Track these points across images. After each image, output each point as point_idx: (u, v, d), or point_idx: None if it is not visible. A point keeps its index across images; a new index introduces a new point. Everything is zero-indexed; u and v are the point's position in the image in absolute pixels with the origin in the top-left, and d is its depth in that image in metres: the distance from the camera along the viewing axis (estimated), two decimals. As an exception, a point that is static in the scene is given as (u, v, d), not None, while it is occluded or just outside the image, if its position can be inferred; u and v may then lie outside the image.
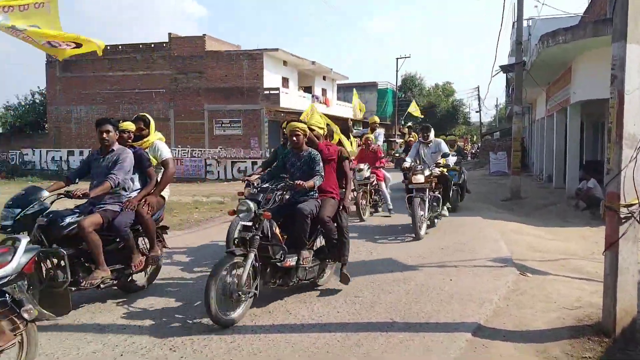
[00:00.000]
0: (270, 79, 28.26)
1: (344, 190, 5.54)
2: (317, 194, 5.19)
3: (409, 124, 22.81)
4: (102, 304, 4.99)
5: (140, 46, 29.61)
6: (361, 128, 38.96)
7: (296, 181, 4.88)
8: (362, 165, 10.26)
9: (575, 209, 11.49)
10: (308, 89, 34.03)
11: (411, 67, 61.11)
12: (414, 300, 4.98)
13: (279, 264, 4.65)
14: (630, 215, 3.95)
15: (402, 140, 23.92)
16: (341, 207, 5.34)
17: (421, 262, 6.51)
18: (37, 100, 34.60)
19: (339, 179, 5.58)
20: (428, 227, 8.48)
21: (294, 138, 5.16)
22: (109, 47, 30.15)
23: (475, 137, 62.82)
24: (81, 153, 29.32)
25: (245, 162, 26.87)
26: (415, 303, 4.89)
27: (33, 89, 35.81)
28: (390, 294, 5.20)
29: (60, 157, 30.37)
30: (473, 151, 47.29)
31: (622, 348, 3.79)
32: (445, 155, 8.87)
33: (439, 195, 8.83)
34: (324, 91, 36.47)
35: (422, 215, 7.97)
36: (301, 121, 5.26)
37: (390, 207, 10.55)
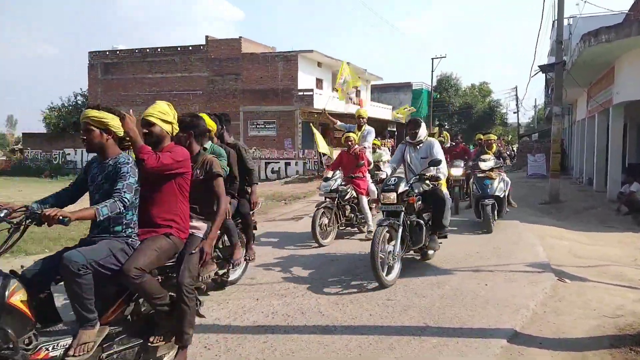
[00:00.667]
0: (305, 80, 28.41)
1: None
2: (131, 231, 3.26)
3: (439, 123, 21.65)
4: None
5: (179, 49, 30.24)
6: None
7: (48, 211, 2.75)
8: (329, 174, 8.39)
9: (617, 213, 11.14)
10: (342, 90, 34.00)
11: (448, 67, 60.44)
12: (448, 304, 4.92)
13: (15, 358, 2.60)
14: (676, 221, 3.81)
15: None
16: (194, 252, 3.54)
17: (456, 266, 6.43)
18: (80, 102, 35.73)
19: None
20: (421, 259, 6.61)
21: (84, 136, 3.24)
22: (148, 50, 30.98)
23: (510, 136, 61.32)
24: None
25: (279, 162, 27.10)
26: (449, 307, 4.83)
27: (76, 90, 37.02)
28: (424, 297, 5.15)
29: (101, 157, 31.37)
30: (508, 153, 46.15)
31: (666, 359, 3.65)
32: (435, 163, 6.14)
33: (424, 220, 6.12)
34: (357, 92, 36.38)
35: (390, 253, 5.55)
36: (110, 112, 3.29)
37: (371, 228, 8.05)
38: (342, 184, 8.36)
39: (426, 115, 45.66)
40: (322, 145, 12.78)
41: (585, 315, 4.64)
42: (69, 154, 32.30)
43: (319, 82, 30.48)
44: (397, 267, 5.73)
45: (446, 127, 52.12)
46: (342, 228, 8.54)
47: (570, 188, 17.16)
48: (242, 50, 28.60)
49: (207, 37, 29.62)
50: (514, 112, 56.04)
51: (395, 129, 40.28)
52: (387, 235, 5.63)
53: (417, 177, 6.22)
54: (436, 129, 17.41)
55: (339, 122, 10.02)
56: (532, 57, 69.33)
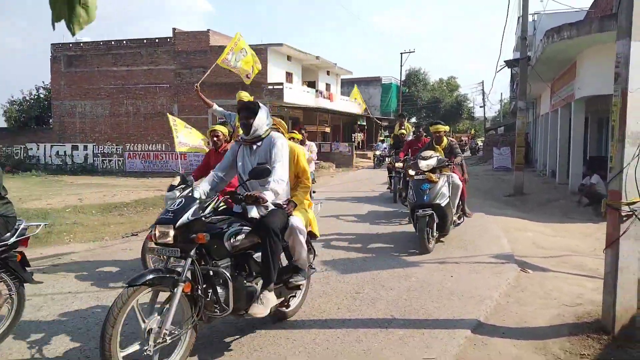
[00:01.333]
0: (275, 73, 28.26)
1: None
2: None
3: (400, 113, 15.82)
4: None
5: (145, 41, 29.63)
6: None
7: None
8: (176, 181, 5.39)
9: (578, 205, 11.47)
10: (312, 84, 34.05)
11: (417, 62, 61.24)
12: (414, 296, 5.00)
13: None
14: (631, 213, 3.95)
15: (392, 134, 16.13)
16: None
17: (422, 259, 6.52)
18: (42, 95, 34.71)
19: None
20: (254, 326, 4.29)
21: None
22: (113, 42, 30.26)
23: (473, 130, 62.35)
24: (85, 147, 29.48)
25: (249, 157, 26.93)
26: (415, 299, 4.91)
27: (38, 83, 35.95)
28: (391, 290, 5.21)
29: (65, 152, 30.55)
30: (473, 146, 46.58)
31: (620, 346, 3.80)
32: (258, 174, 3.81)
33: (249, 269, 3.91)
34: (327, 86, 36.47)
35: (150, 332, 3.24)
36: None
37: None
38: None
39: (395, 109, 46.09)
40: (182, 142, 8.50)
41: (547, 305, 4.78)
42: (30, 148, 31.34)
43: (289, 76, 30.37)
44: (176, 354, 3.43)
45: (410, 119, 52.44)
46: None
47: (534, 180, 17.59)
48: (210, 43, 28.22)
49: (174, 29, 29.09)
50: (481, 106, 57.31)
51: (365, 123, 40.49)
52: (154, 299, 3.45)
53: (228, 196, 3.83)
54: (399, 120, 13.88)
55: (215, 106, 7.50)
56: (498, 51, 70.54)
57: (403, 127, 13.14)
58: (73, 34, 1.62)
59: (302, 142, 9.09)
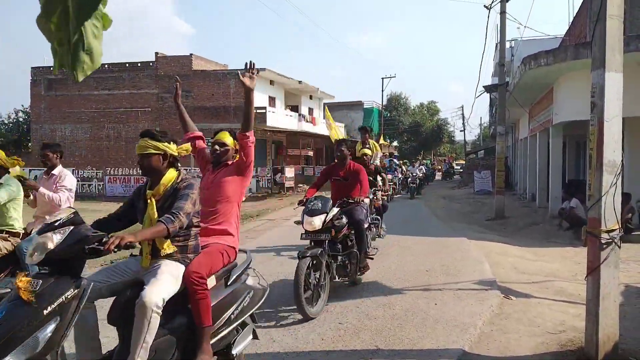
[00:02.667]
0: (257, 98, 28.39)
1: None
2: None
3: (361, 126, 10.64)
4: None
5: (127, 65, 29.61)
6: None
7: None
8: None
9: (559, 228, 11.60)
10: (294, 108, 34.24)
11: (398, 86, 62.31)
12: (398, 325, 4.95)
13: None
14: (611, 240, 4.00)
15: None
16: None
17: (406, 286, 6.49)
18: (21, 119, 34.31)
19: None
20: None
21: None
22: (94, 66, 30.17)
23: (450, 153, 62.92)
24: (65, 172, 29.01)
25: (232, 181, 26.78)
26: (400, 329, 4.86)
27: (17, 107, 35.55)
28: (376, 319, 5.16)
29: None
30: (444, 169, 45.99)
31: (605, 374, 3.79)
32: None
33: None
34: (310, 110, 36.70)
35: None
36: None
37: None
38: None
39: (378, 133, 46.49)
40: None
41: (530, 333, 4.77)
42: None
43: (272, 100, 30.54)
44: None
45: (392, 142, 52.59)
46: None
47: (515, 204, 17.78)
48: (192, 67, 28.32)
49: (156, 53, 29.16)
50: (461, 130, 58.03)
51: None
52: None
53: None
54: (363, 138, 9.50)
55: None
56: (477, 76, 72.02)
57: (367, 146, 9.00)
58: (77, 81, 1.57)
59: (47, 171, 5.78)
